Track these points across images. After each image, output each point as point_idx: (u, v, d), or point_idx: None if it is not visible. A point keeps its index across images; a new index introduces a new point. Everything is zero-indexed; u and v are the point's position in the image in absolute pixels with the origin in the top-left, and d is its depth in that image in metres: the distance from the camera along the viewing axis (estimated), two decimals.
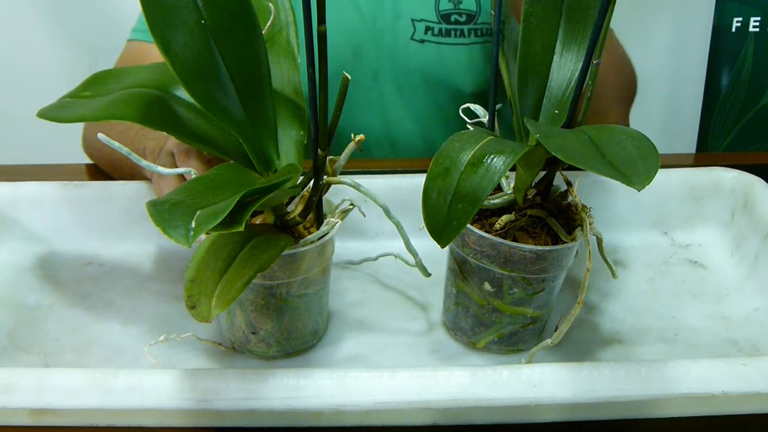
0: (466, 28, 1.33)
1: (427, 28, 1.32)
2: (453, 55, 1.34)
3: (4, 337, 0.89)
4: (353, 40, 1.30)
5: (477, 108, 0.90)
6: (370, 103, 1.38)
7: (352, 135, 0.82)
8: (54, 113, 0.75)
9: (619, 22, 1.32)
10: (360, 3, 1.33)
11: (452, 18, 1.32)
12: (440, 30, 1.33)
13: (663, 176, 1.05)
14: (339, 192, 0.86)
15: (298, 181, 0.81)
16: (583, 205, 0.84)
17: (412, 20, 1.33)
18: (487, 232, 0.81)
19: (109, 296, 0.96)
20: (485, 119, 0.89)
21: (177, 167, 0.89)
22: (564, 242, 0.82)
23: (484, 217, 0.85)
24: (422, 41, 1.33)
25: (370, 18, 1.32)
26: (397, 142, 1.41)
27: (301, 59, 0.81)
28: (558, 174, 0.85)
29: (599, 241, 0.85)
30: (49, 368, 0.83)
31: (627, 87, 1.35)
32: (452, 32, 1.32)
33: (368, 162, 1.20)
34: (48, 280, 0.99)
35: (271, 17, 0.86)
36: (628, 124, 1.34)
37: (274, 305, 0.82)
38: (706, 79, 2.02)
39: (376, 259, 0.98)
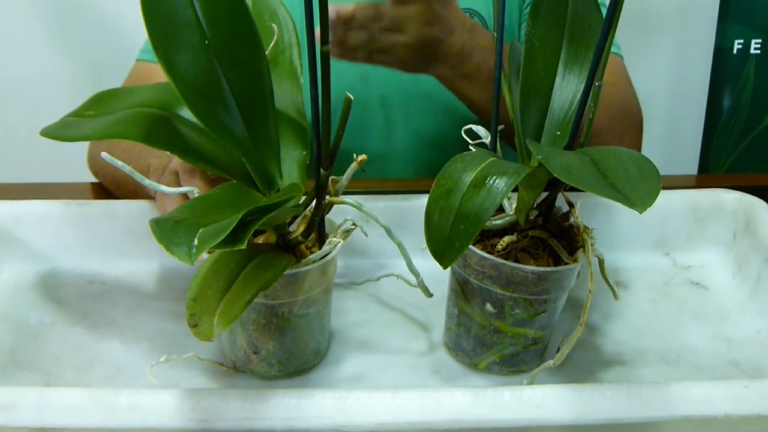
0: None
1: None
2: None
3: (5, 354, 0.89)
4: (361, 65, 1.31)
5: (479, 129, 0.91)
6: (376, 126, 1.38)
7: (355, 155, 0.82)
8: (57, 132, 0.76)
9: (621, 43, 1.33)
10: None
11: None
12: None
13: (665, 197, 1.05)
14: (341, 212, 0.87)
15: (301, 201, 0.81)
16: (584, 226, 0.84)
17: None
18: (489, 252, 0.81)
19: (111, 315, 0.96)
20: (488, 140, 0.89)
21: (181, 186, 0.89)
22: (566, 263, 0.82)
23: (486, 237, 0.85)
24: None
25: None
26: (402, 166, 1.41)
27: (305, 80, 0.82)
28: (560, 195, 0.85)
29: (601, 262, 0.85)
30: (50, 387, 0.83)
31: (639, 139, 1.34)
32: None
33: (370, 182, 1.20)
34: (50, 298, 0.99)
35: (275, 38, 0.86)
36: None
37: (275, 325, 0.82)
38: (707, 100, 2.03)
39: (378, 279, 0.98)
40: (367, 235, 0.90)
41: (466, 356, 0.89)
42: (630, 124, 1.29)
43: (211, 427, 0.73)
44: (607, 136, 1.18)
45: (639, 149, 1.31)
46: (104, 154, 0.79)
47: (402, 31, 1.04)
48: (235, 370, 0.87)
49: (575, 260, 0.82)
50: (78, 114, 0.78)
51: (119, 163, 0.79)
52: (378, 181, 1.24)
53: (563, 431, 0.77)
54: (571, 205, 0.86)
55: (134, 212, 1.03)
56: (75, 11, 2.07)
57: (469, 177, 0.70)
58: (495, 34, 0.83)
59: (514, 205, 0.86)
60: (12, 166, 2.11)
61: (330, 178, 0.79)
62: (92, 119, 0.77)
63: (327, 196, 0.81)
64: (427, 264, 0.77)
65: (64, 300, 0.98)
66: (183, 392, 0.74)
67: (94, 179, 1.26)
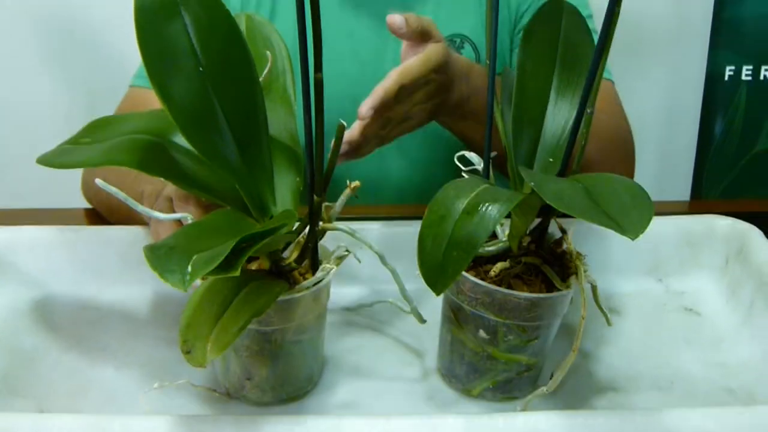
0: None
1: None
2: None
3: None
4: (353, 90, 1.31)
5: (472, 156, 0.91)
6: None
7: (348, 181, 0.82)
8: (53, 159, 0.76)
9: (613, 70, 1.33)
10: (360, 54, 1.34)
11: None
12: None
13: (657, 223, 1.05)
14: (334, 238, 0.87)
15: (294, 227, 0.81)
16: (577, 252, 0.84)
17: None
18: (482, 279, 0.82)
19: (104, 341, 0.96)
20: (480, 167, 0.89)
21: (175, 212, 0.89)
22: (559, 290, 0.83)
23: (479, 264, 0.86)
24: None
25: (370, 69, 1.33)
26: (393, 192, 1.41)
27: (298, 106, 0.82)
28: (552, 221, 0.86)
29: (594, 288, 0.86)
30: (43, 413, 0.82)
31: (631, 162, 1.34)
32: None
33: (364, 208, 1.20)
34: (44, 323, 0.98)
35: (269, 64, 0.87)
36: None
37: (269, 351, 0.82)
38: (699, 126, 2.03)
39: (371, 305, 0.98)
40: (360, 262, 0.90)
41: (460, 382, 0.89)
42: (621, 154, 1.30)
43: None
44: (599, 167, 1.18)
45: (631, 178, 1.32)
46: (98, 181, 0.79)
47: (410, 118, 1.05)
48: (229, 396, 0.87)
49: (568, 286, 0.82)
50: (74, 141, 0.79)
51: (113, 190, 0.79)
52: (371, 207, 1.25)
53: None
54: (563, 231, 0.86)
55: (128, 238, 1.03)
56: (70, 37, 2.07)
57: (461, 204, 0.71)
58: (488, 62, 0.83)
59: (507, 232, 0.86)
60: (6, 191, 2.11)
61: (323, 204, 0.80)
62: (88, 146, 0.77)
63: (320, 223, 0.81)
64: (420, 290, 0.77)
65: (58, 326, 0.98)
66: (176, 419, 0.74)
67: (87, 205, 1.26)
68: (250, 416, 0.75)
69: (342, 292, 1.02)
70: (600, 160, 1.18)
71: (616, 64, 1.29)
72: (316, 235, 0.81)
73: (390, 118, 1.02)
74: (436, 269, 0.69)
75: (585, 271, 0.82)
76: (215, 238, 0.68)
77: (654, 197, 0.68)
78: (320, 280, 0.81)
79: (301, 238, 0.83)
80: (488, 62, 0.83)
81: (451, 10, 1.36)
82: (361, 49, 1.34)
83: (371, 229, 1.02)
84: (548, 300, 0.81)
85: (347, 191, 0.83)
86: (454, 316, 0.86)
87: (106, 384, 0.89)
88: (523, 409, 0.81)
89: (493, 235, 0.88)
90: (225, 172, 0.76)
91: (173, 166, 0.78)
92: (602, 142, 1.17)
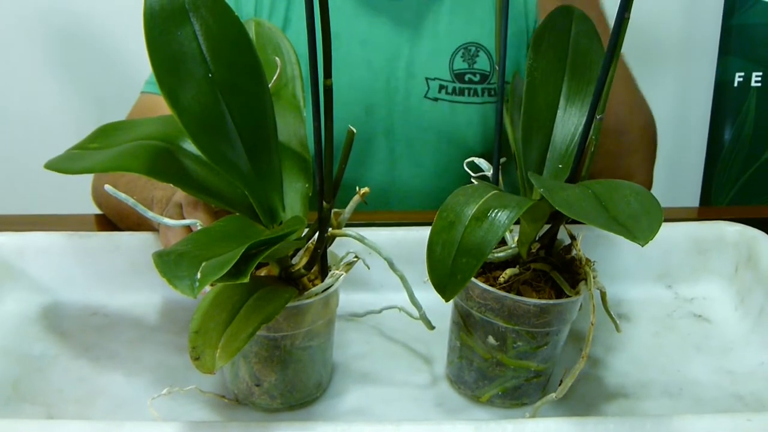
0: (479, 87, 1.34)
1: (441, 87, 1.34)
2: (466, 114, 1.35)
3: (8, 387, 0.89)
4: (366, 97, 1.32)
5: (482, 162, 0.91)
6: (380, 158, 1.38)
7: (357, 188, 0.82)
8: (61, 165, 0.76)
9: None
10: (373, 62, 1.34)
11: (466, 77, 1.34)
12: (454, 89, 1.34)
13: (667, 230, 1.05)
14: (344, 244, 0.87)
15: (303, 234, 0.81)
16: (587, 258, 0.84)
17: (426, 79, 1.34)
18: (491, 285, 0.82)
19: (113, 347, 0.96)
20: (490, 173, 0.89)
21: (184, 218, 0.90)
22: (568, 296, 0.82)
23: (489, 270, 0.85)
24: (436, 99, 1.34)
25: (383, 76, 1.33)
26: (405, 198, 1.41)
27: (308, 113, 0.82)
28: (562, 228, 0.86)
29: (603, 294, 0.85)
30: (52, 420, 0.82)
31: (653, 148, 1.35)
32: (466, 91, 1.34)
33: (373, 214, 1.20)
34: (53, 330, 0.99)
35: (278, 71, 0.87)
36: (651, 182, 1.35)
37: (278, 357, 0.82)
38: (709, 133, 2.03)
39: (380, 311, 0.98)
40: (369, 268, 0.90)
41: (469, 389, 0.88)
42: (646, 125, 1.30)
43: None
44: (622, 135, 1.18)
45: (653, 157, 1.32)
46: (108, 187, 0.79)
47: None
48: (237, 402, 0.87)
49: (577, 293, 0.82)
50: (82, 147, 0.79)
51: (123, 196, 0.79)
52: (381, 213, 1.25)
53: None
54: (573, 237, 0.86)
55: (137, 244, 1.03)
56: (80, 44, 2.08)
57: (471, 210, 0.71)
58: (497, 68, 0.83)
59: (516, 238, 0.86)
60: (15, 197, 2.12)
61: (332, 210, 0.80)
62: (96, 152, 0.77)
63: (329, 229, 0.81)
64: (429, 296, 0.77)
65: (67, 332, 0.98)
66: (185, 425, 0.74)
67: (97, 211, 1.27)
68: (259, 422, 0.75)
69: (351, 299, 1.01)
70: (623, 129, 1.17)
71: None
72: (325, 242, 0.81)
73: None
74: (446, 275, 0.69)
75: (594, 278, 0.82)
76: (224, 245, 0.68)
77: (663, 204, 0.68)
78: (329, 286, 0.82)
79: (311, 244, 0.83)
80: (497, 68, 0.83)
81: (466, 19, 1.36)
82: (374, 58, 1.34)
83: (380, 235, 1.02)
84: (557, 306, 0.81)
85: (356, 197, 0.82)
86: (463, 323, 0.86)
87: (115, 390, 0.90)
88: (532, 416, 0.81)
89: (503, 242, 0.88)
90: (234, 178, 0.76)
91: (182, 172, 0.78)
92: (628, 107, 1.17)
